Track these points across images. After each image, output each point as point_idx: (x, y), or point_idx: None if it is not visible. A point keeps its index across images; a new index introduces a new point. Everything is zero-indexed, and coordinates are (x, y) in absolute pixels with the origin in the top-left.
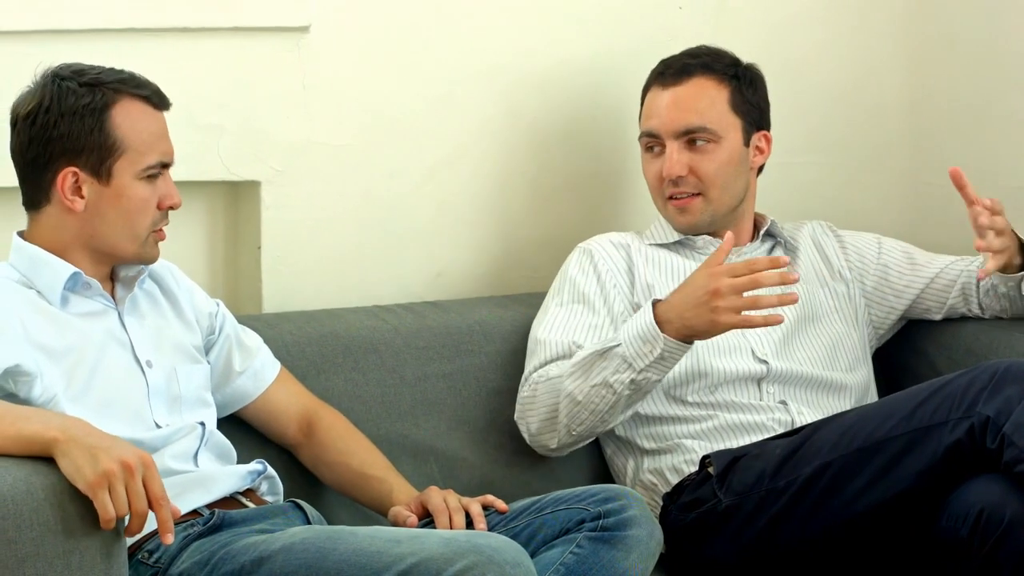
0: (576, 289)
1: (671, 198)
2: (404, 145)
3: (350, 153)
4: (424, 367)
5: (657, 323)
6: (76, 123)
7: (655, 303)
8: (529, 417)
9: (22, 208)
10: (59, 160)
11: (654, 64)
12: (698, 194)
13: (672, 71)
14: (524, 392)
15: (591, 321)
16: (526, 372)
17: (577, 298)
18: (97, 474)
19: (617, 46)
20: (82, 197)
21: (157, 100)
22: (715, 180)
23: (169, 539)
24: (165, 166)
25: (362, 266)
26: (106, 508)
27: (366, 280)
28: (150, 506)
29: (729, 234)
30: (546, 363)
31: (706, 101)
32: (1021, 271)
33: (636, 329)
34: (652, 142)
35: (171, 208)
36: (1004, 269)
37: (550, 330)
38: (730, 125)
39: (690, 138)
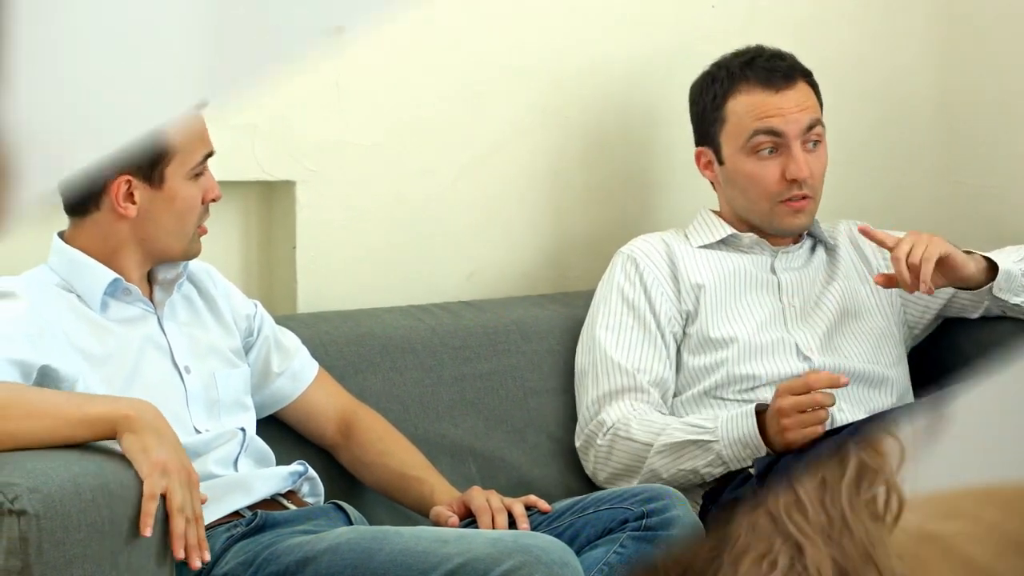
0: (626, 300)
1: (785, 200)
2: (437, 144)
3: (384, 152)
4: (461, 367)
5: (760, 432)
6: None
7: (758, 411)
8: (598, 462)
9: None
10: (112, 169)
11: (686, 62)
12: (809, 196)
13: (779, 74)
14: (599, 440)
15: (645, 340)
16: (595, 395)
17: (628, 311)
18: (161, 460)
19: (649, 45)
20: (134, 203)
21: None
22: (820, 180)
23: (198, 564)
24: (208, 156)
25: (396, 265)
26: (156, 485)
27: (400, 279)
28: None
29: (819, 374)
30: (615, 393)
31: (813, 100)
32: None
33: (738, 434)
34: (770, 142)
35: (213, 201)
36: (965, 283)
37: (615, 347)
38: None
39: (807, 138)
